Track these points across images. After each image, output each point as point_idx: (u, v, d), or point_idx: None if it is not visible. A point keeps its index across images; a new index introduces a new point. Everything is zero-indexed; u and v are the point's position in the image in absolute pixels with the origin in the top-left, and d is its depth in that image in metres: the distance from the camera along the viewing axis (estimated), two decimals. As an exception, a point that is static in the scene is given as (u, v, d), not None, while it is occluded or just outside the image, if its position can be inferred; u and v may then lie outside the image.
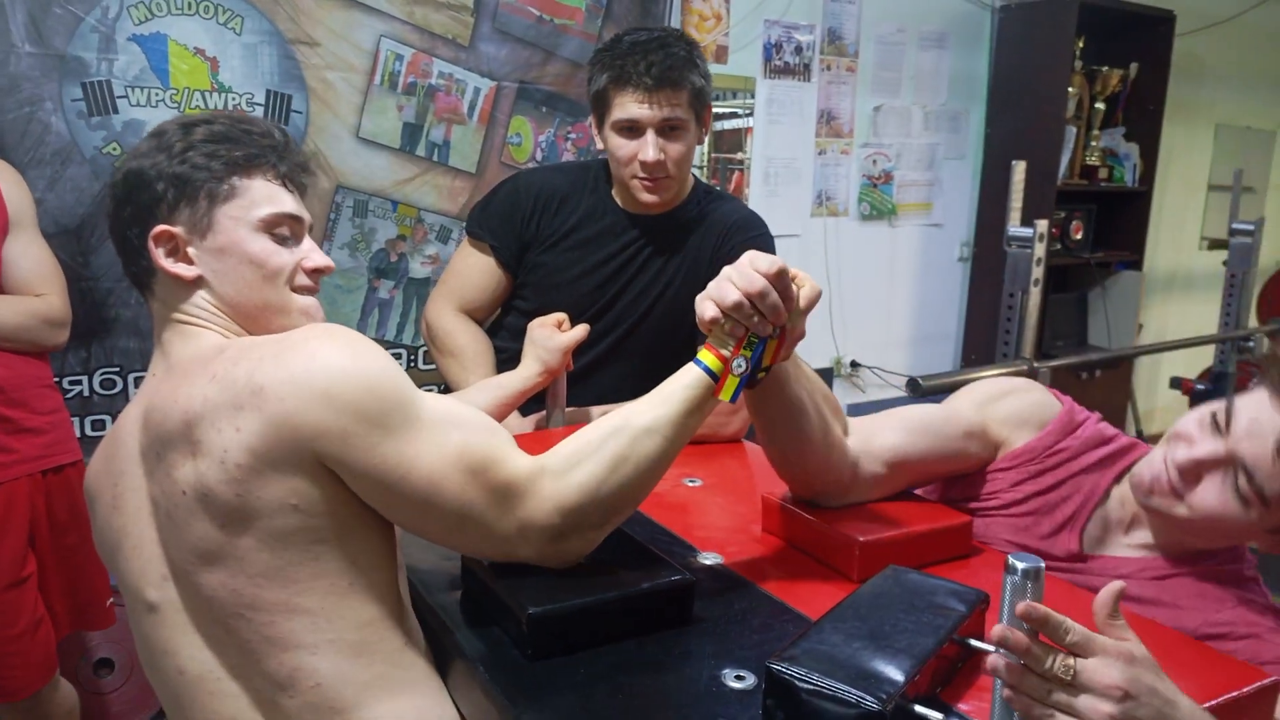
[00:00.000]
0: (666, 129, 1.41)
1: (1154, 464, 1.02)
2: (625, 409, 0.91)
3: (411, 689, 0.89)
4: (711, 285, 0.88)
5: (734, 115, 3.41)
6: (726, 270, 0.88)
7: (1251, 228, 2.90)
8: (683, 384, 0.90)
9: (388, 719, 0.86)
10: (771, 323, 0.88)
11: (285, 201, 0.96)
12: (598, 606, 0.87)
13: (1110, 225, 4.26)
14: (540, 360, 1.35)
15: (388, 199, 2.59)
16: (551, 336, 1.34)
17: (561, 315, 1.35)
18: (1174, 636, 0.93)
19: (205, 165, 0.92)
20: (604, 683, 0.81)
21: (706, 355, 0.90)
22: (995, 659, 0.69)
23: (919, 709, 0.72)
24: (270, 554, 0.83)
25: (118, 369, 2.33)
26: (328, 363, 0.82)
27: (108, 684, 2.21)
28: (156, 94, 2.25)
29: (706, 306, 0.88)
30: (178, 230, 0.92)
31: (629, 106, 1.39)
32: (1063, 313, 4.26)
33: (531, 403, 1.42)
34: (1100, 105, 4.08)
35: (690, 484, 1.32)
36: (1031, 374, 2.27)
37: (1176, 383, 3.11)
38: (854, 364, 3.80)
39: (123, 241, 0.95)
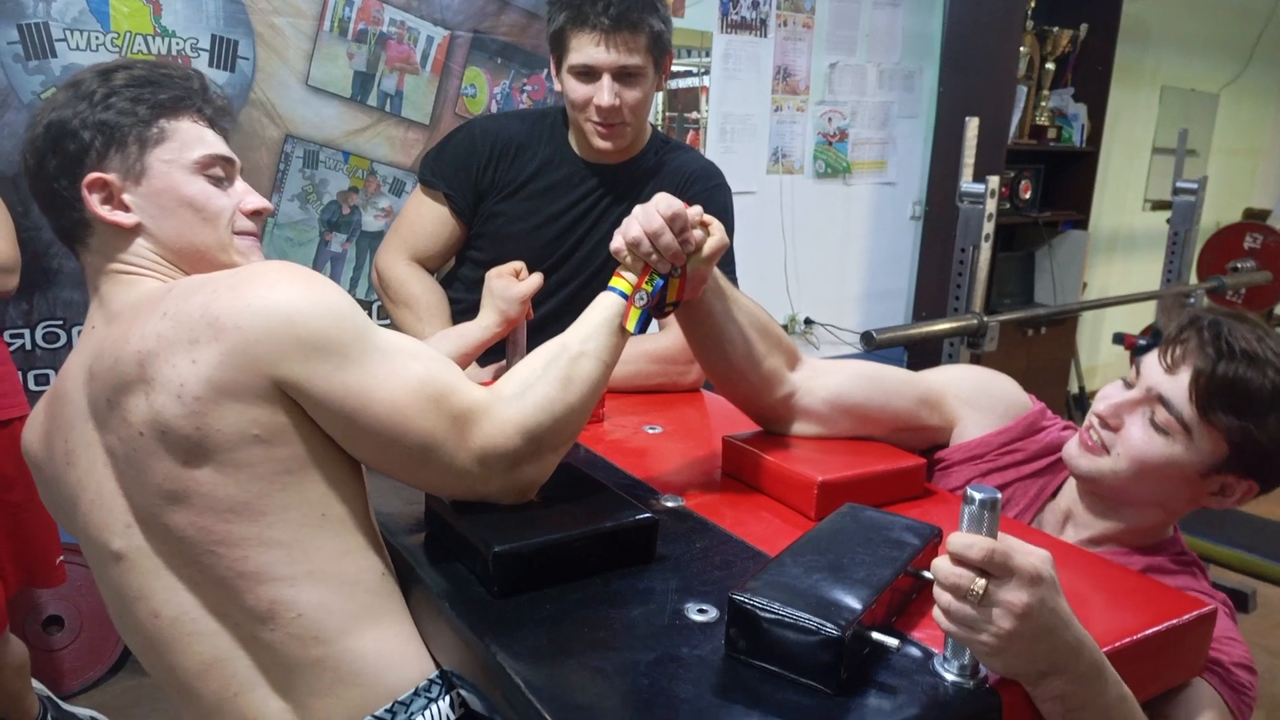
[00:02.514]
0: (623, 75, 1.40)
1: (1084, 435, 1.06)
2: (558, 338, 0.95)
3: (393, 618, 0.90)
4: (625, 219, 0.95)
5: (689, 74, 3.39)
6: (636, 208, 0.95)
7: (1195, 186, 2.97)
8: (602, 308, 0.96)
9: (372, 647, 0.87)
10: (669, 262, 0.95)
11: (215, 143, 0.95)
12: (561, 544, 0.88)
13: (1058, 185, 4.33)
14: (499, 310, 1.35)
15: (339, 150, 2.54)
16: (510, 286, 1.33)
17: (519, 264, 1.34)
18: (1118, 569, 0.97)
19: (131, 110, 0.90)
20: (569, 618, 0.82)
21: (618, 281, 0.97)
22: (936, 587, 0.72)
23: (876, 636, 0.74)
24: (237, 487, 0.82)
25: (61, 321, 2.27)
26: (287, 293, 0.81)
27: (57, 641, 2.19)
28: (96, 37, 2.18)
29: (615, 237, 0.96)
30: (111, 177, 0.90)
31: (586, 50, 1.38)
32: (1010, 271, 4.34)
33: (491, 353, 1.41)
34: (1050, 66, 4.13)
35: (650, 431, 1.33)
36: (980, 328, 2.31)
37: (1119, 338, 3.20)
38: (808, 321, 3.83)
39: (49, 196, 0.92)
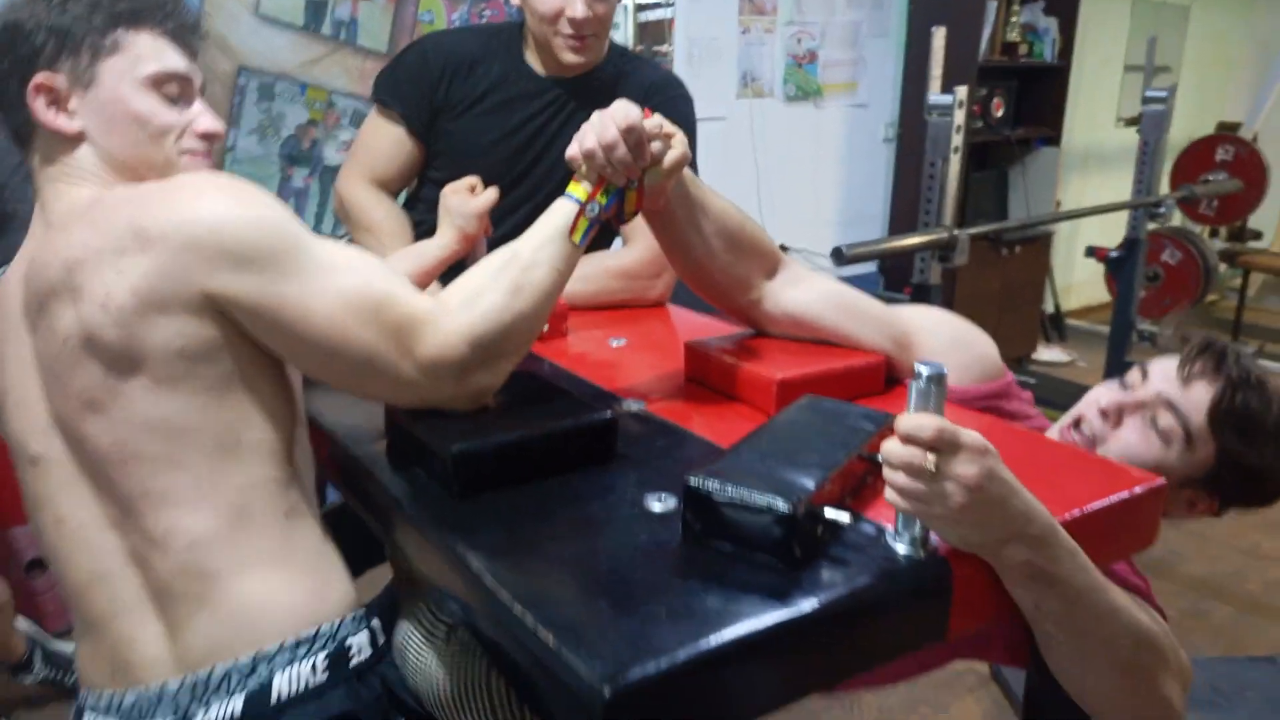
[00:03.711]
0: None
1: (1070, 425, 1.06)
2: (509, 245, 0.93)
3: (289, 562, 0.88)
4: (583, 126, 0.92)
5: (657, 5, 3.33)
6: (594, 114, 0.92)
7: (1164, 95, 2.96)
8: (556, 215, 0.94)
9: (257, 591, 0.86)
10: (625, 175, 0.93)
11: (173, 59, 0.92)
12: (520, 444, 0.88)
13: (1029, 102, 4.31)
14: (456, 227, 1.33)
15: (295, 81, 2.49)
16: (465, 202, 1.31)
17: (474, 179, 1.32)
18: (1070, 450, 0.98)
19: (86, 17, 0.88)
20: (530, 515, 0.83)
21: (574, 188, 0.95)
22: (887, 469, 0.72)
23: (828, 512, 0.75)
24: (155, 401, 0.82)
25: None
26: (214, 205, 0.81)
27: (39, 585, 2.20)
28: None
29: (571, 145, 0.93)
30: (58, 83, 0.88)
31: None
32: (984, 190, 4.33)
33: (453, 271, 1.40)
34: (1021, -22, 4.07)
35: (615, 344, 1.33)
36: (951, 241, 2.32)
37: (1091, 251, 3.21)
38: (782, 246, 3.81)
39: (1, 95, 0.90)
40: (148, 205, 0.81)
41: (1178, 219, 4.80)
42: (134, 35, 0.90)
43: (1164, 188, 3.49)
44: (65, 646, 2.13)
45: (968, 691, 2.16)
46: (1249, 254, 5.13)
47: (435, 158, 1.56)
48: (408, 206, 1.61)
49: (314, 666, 0.86)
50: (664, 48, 3.39)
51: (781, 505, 0.72)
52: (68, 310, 0.82)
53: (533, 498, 0.86)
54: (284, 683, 0.85)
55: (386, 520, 0.92)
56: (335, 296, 0.83)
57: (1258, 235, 5.97)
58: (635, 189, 0.97)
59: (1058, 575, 0.76)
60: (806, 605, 0.69)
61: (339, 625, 0.89)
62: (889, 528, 0.77)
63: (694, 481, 0.76)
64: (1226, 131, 4.77)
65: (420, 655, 1.07)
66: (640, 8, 3.42)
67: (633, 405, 1.08)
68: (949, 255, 2.31)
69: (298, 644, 0.86)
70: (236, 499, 0.86)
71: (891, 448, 0.72)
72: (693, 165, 1.49)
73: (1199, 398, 1.00)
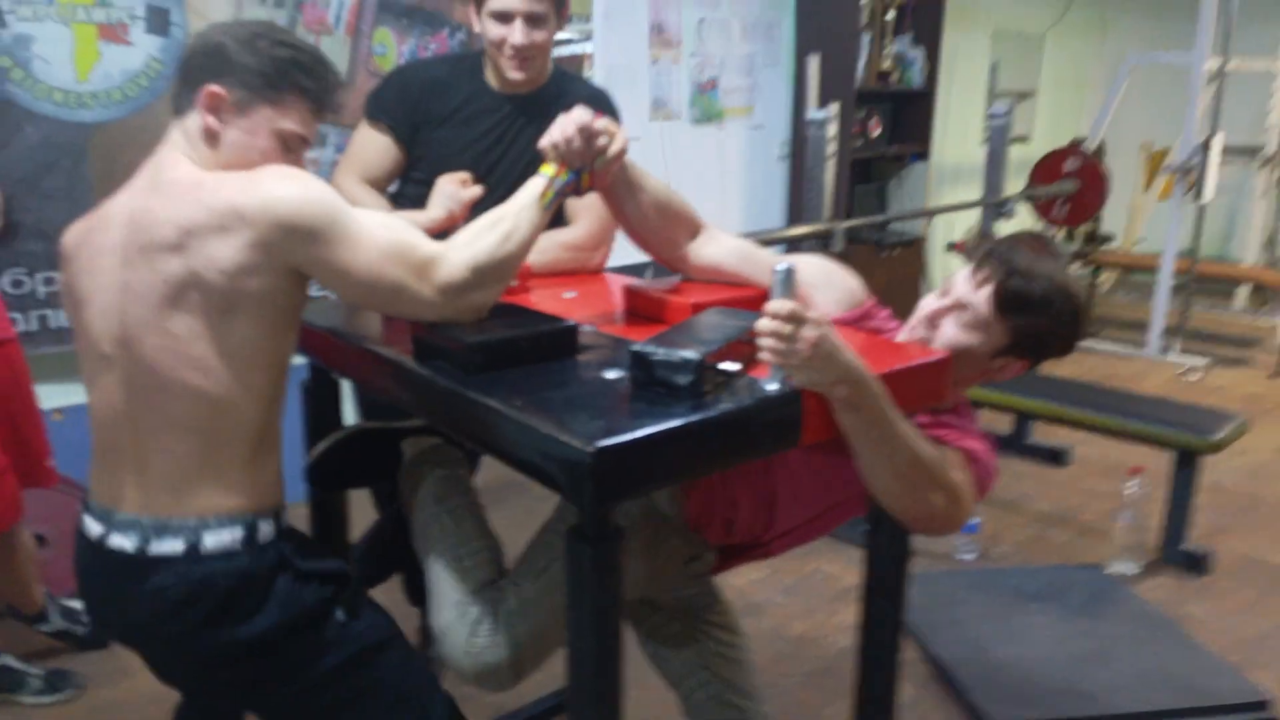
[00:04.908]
0: (531, 18, 1.78)
1: (911, 329, 1.46)
2: (499, 207, 1.31)
3: (243, 481, 1.22)
4: (551, 125, 1.32)
5: (570, 42, 3.75)
6: (560, 116, 1.32)
7: (1004, 111, 3.52)
8: (532, 187, 1.33)
9: (214, 489, 1.20)
10: (579, 160, 1.32)
11: (308, 127, 1.28)
12: (513, 339, 1.27)
13: (903, 122, 4.89)
14: (445, 207, 1.69)
15: (265, 105, 2.84)
16: (459, 191, 1.68)
17: (466, 175, 1.70)
18: (888, 341, 1.43)
19: (273, 73, 1.23)
20: (521, 384, 1.22)
21: (545, 169, 1.35)
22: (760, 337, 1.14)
23: (722, 365, 1.17)
24: (231, 330, 1.17)
25: (26, 270, 2.53)
26: (289, 190, 1.17)
27: (43, 555, 2.45)
28: (43, 9, 2.43)
29: (543, 138, 1.33)
30: (223, 97, 1.22)
31: None
32: (866, 200, 4.89)
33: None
34: (891, 15, 4.65)
35: (567, 295, 1.74)
36: (829, 231, 2.79)
37: (951, 245, 3.74)
38: (691, 251, 4.27)
39: (186, 78, 1.24)
40: (243, 190, 1.16)
41: (1038, 225, 5.45)
42: (294, 98, 1.25)
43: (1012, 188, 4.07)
44: (75, 603, 2.41)
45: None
46: (1095, 253, 5.80)
47: (416, 162, 1.95)
48: (394, 200, 1.99)
49: (233, 537, 1.21)
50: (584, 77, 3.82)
51: (693, 355, 1.14)
52: (174, 260, 1.16)
53: (522, 375, 1.25)
54: (211, 540, 1.20)
55: (418, 393, 1.30)
56: (375, 249, 1.20)
57: (1109, 238, 6.72)
58: (589, 171, 1.36)
59: (864, 406, 1.18)
60: (710, 413, 1.11)
61: (256, 517, 1.24)
62: (763, 378, 1.19)
63: (637, 347, 1.17)
64: (1074, 145, 5.43)
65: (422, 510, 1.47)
66: (558, 43, 3.86)
67: (586, 328, 1.48)
68: (829, 243, 2.79)
69: (226, 519, 1.21)
70: (242, 433, 1.21)
71: (762, 322, 1.14)
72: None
73: (985, 294, 1.38)
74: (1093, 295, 5.66)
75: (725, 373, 1.19)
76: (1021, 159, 5.56)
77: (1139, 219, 6.33)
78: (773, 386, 1.18)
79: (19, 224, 2.50)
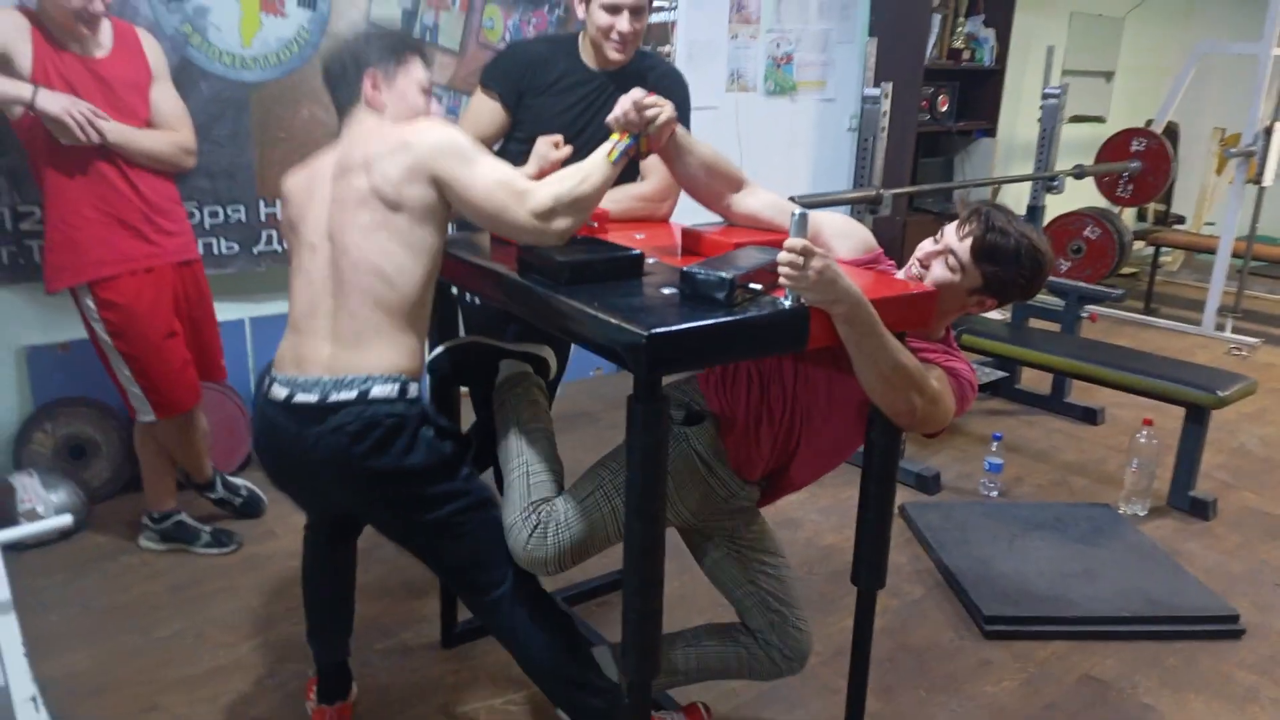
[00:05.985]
0: (635, 10, 2.18)
1: (909, 266, 1.84)
2: (581, 163, 1.73)
3: (402, 344, 1.66)
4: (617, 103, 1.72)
5: (661, 9, 4.13)
6: (620, 98, 1.72)
7: (1058, 91, 3.77)
8: (603, 148, 1.73)
9: (382, 352, 1.64)
10: (635, 128, 1.72)
11: (428, 77, 1.79)
12: (592, 260, 1.68)
13: (971, 99, 5.13)
14: (538, 165, 2.12)
15: (391, 71, 3.29)
16: (551, 150, 2.09)
17: (559, 137, 2.10)
18: (889, 276, 1.79)
19: (391, 50, 1.75)
20: (599, 293, 1.62)
21: (613, 135, 1.74)
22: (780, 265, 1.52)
23: (751, 285, 1.56)
24: (404, 226, 1.63)
25: (196, 203, 3.03)
26: (437, 131, 1.65)
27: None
28: (217, -14, 2.91)
29: (610, 115, 1.73)
30: (378, 76, 1.72)
31: None
32: (932, 174, 5.15)
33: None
34: (963, -4, 4.89)
35: (639, 237, 2.14)
36: (878, 198, 3.13)
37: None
38: (761, 214, 4.62)
39: (338, 83, 1.76)
40: (407, 132, 1.64)
41: (1103, 202, 5.64)
42: (411, 59, 1.76)
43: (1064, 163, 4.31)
44: (237, 480, 2.94)
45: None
46: (1158, 232, 5.94)
47: (518, 125, 2.37)
48: (498, 154, 2.41)
49: (392, 389, 1.64)
50: (666, 48, 4.20)
51: (727, 275, 1.53)
52: (363, 177, 1.63)
53: (602, 288, 1.66)
54: (377, 389, 1.62)
55: (522, 298, 1.71)
56: (489, 176, 1.64)
57: (1181, 220, 6.82)
58: (645, 136, 1.75)
59: (857, 321, 1.54)
60: (737, 317, 1.50)
61: (408, 379, 1.66)
62: (781, 297, 1.58)
63: (687, 269, 1.57)
64: (1143, 127, 5.59)
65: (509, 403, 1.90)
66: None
67: (650, 260, 1.88)
68: (876, 208, 3.13)
69: (387, 377, 1.64)
70: (402, 304, 1.65)
71: (780, 254, 1.52)
72: (686, 125, 2.29)
73: (967, 244, 1.75)
74: (1154, 274, 5.83)
75: (752, 290, 1.58)
76: (1097, 137, 5.74)
77: (1209, 201, 6.42)
78: (787, 303, 1.56)
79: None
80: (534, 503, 1.79)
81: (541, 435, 1.92)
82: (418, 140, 1.63)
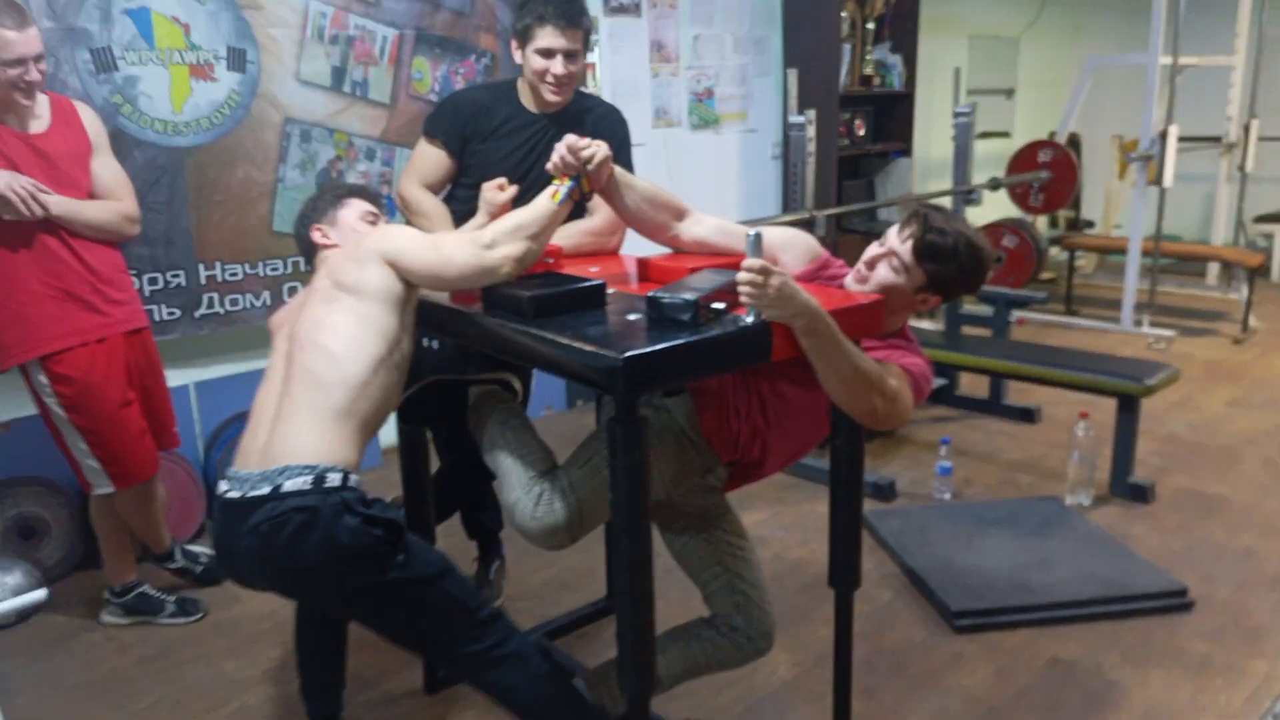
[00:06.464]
0: (569, 54, 2.25)
1: (856, 270, 1.92)
2: (524, 209, 1.79)
3: (339, 442, 1.64)
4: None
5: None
6: (556, 144, 1.80)
7: (968, 110, 3.96)
8: (546, 195, 1.79)
9: (317, 447, 1.61)
10: (573, 170, 1.79)
11: (371, 208, 1.95)
12: (560, 293, 1.73)
13: (886, 122, 5.34)
14: (487, 211, 2.17)
15: (325, 127, 3.33)
16: (496, 195, 2.14)
17: (503, 180, 2.16)
18: (840, 291, 1.88)
19: (328, 200, 1.93)
20: (568, 323, 1.68)
21: (554, 181, 1.81)
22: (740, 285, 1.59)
23: (713, 305, 1.63)
24: (344, 309, 1.68)
25: (135, 271, 3.00)
26: (389, 227, 1.75)
27: (163, 504, 2.94)
28: (146, 54, 2.92)
29: (548, 160, 1.81)
30: (321, 225, 1.87)
31: (548, 38, 2.22)
32: (856, 195, 5.33)
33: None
34: (871, 25, 5.11)
35: (593, 270, 2.20)
36: (810, 221, 3.25)
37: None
38: (696, 245, 4.73)
39: (299, 236, 1.95)
40: (362, 238, 1.78)
41: (1017, 212, 5.89)
42: (348, 200, 1.97)
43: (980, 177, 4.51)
44: (196, 547, 2.89)
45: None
46: (1071, 237, 6.23)
47: (464, 170, 2.42)
48: (446, 200, 2.46)
49: (304, 481, 1.57)
50: (588, 88, 4.30)
51: (690, 297, 1.60)
52: (325, 281, 1.73)
53: (569, 318, 1.71)
54: (289, 484, 1.56)
55: (488, 336, 1.76)
56: (435, 236, 1.76)
57: (1091, 224, 7.14)
58: (585, 177, 1.82)
59: (817, 332, 1.62)
60: (704, 335, 1.56)
61: (329, 467, 1.60)
62: (742, 314, 1.65)
63: (652, 294, 1.63)
64: (1047, 139, 5.88)
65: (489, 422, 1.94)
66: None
67: (610, 289, 1.94)
68: (812, 229, 3.24)
69: (303, 467, 1.59)
70: (344, 384, 1.65)
71: (740, 274, 1.59)
72: (628, 166, 2.37)
73: (909, 245, 1.82)
74: (1071, 277, 6.09)
75: (715, 310, 1.65)
76: (1004, 151, 6.00)
77: (1115, 205, 6.76)
78: (749, 319, 1.64)
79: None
80: (534, 476, 1.81)
81: (524, 425, 1.95)
82: (370, 234, 1.80)
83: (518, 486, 1.79)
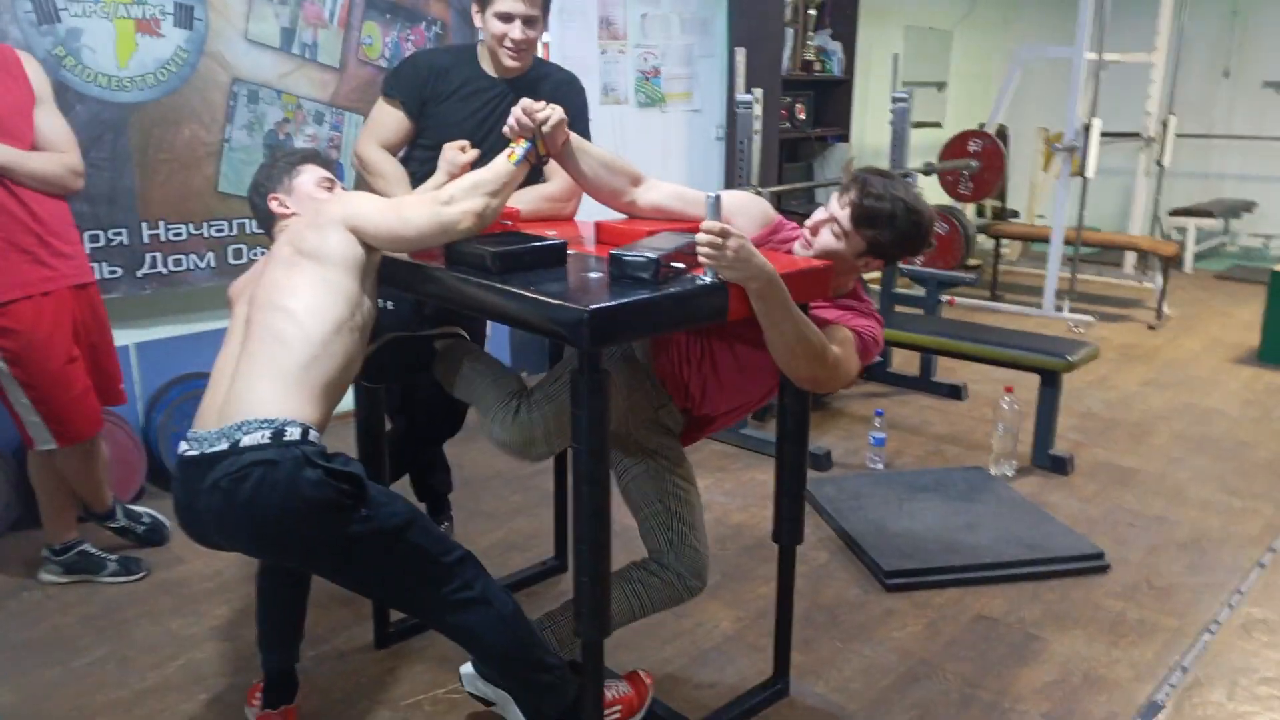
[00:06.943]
0: (528, 19, 2.28)
1: (802, 235, 2.00)
2: (484, 169, 1.83)
3: (303, 399, 1.65)
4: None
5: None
6: (513, 107, 1.85)
7: (905, 96, 4.10)
8: (503, 157, 1.84)
9: (279, 403, 1.62)
10: (529, 132, 1.85)
11: (326, 174, 1.95)
12: (524, 250, 1.78)
13: (826, 107, 5.47)
14: (447, 171, 2.20)
15: (273, 89, 3.30)
16: (457, 156, 2.17)
17: (464, 142, 2.19)
18: (790, 256, 1.97)
19: (283, 167, 1.96)
20: (531, 279, 1.73)
21: (511, 143, 1.86)
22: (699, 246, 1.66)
23: (673, 264, 1.70)
24: (305, 273, 1.72)
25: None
26: (345, 198, 1.80)
27: (103, 465, 2.90)
28: (90, 6, 2.86)
29: (506, 121, 1.86)
30: (278, 194, 1.89)
31: (507, 2, 2.25)
32: (795, 177, 5.46)
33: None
34: (813, 11, 5.22)
35: (550, 234, 2.24)
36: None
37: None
38: (639, 221, 4.80)
39: (256, 206, 1.98)
40: (320, 205, 1.81)
41: (947, 200, 6.09)
42: (303, 166, 2.00)
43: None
44: (138, 508, 2.86)
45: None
46: (997, 225, 6.45)
47: (422, 132, 2.44)
48: (403, 162, 2.47)
49: (262, 435, 1.57)
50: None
51: (652, 255, 1.66)
52: (287, 249, 1.76)
53: (532, 273, 1.76)
54: (247, 439, 1.56)
55: (453, 291, 1.79)
56: (393, 199, 1.79)
57: (1016, 214, 7.39)
58: (541, 140, 1.88)
59: (769, 296, 1.69)
60: (664, 292, 1.63)
61: (287, 421, 1.60)
62: (700, 274, 1.72)
63: (615, 252, 1.69)
64: (977, 129, 6.07)
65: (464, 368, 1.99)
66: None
67: (570, 250, 2.00)
68: (756, 205, 3.32)
69: (261, 421, 1.59)
70: (304, 343, 1.67)
71: (699, 236, 1.66)
72: (585, 133, 2.42)
73: (847, 212, 1.90)
74: (997, 263, 6.32)
75: (675, 269, 1.72)
76: (935, 141, 6.18)
77: (1039, 195, 7.01)
78: (707, 279, 1.71)
79: (70, 190, 2.92)
80: (510, 393, 1.90)
81: (493, 360, 2.03)
82: (330, 200, 1.84)
83: (495, 404, 1.87)
